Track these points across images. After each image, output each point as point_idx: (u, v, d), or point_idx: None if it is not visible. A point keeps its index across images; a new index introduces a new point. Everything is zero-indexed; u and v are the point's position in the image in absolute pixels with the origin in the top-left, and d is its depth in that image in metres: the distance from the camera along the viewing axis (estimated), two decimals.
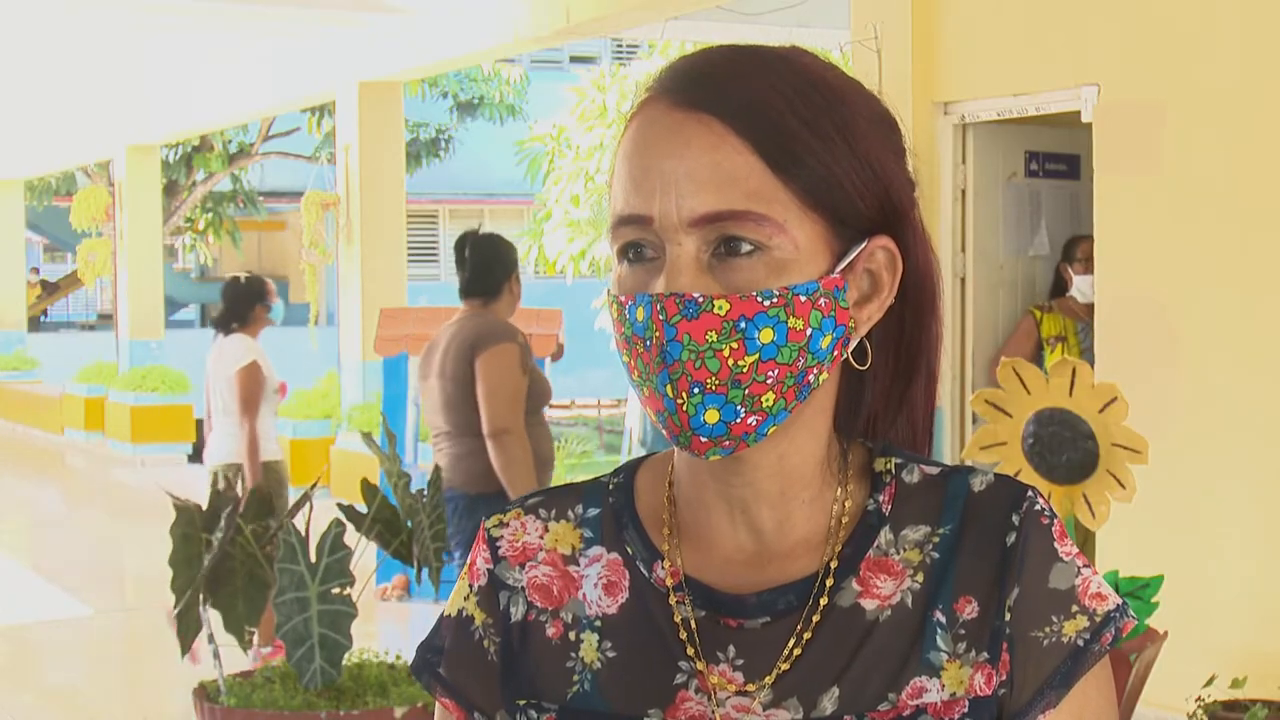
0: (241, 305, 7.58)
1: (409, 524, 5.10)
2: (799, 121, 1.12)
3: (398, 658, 5.22)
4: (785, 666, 1.15)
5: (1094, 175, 6.24)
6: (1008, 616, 1.14)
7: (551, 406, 7.65)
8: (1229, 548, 5.65)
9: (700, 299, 1.10)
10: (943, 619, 1.15)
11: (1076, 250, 6.97)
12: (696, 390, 1.10)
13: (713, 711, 1.15)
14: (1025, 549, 1.15)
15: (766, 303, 1.10)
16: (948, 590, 1.15)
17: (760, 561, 1.18)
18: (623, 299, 1.13)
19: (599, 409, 22.58)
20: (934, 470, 1.20)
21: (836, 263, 1.14)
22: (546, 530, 1.24)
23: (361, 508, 5.13)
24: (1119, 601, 1.16)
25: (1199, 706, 5.11)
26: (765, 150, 1.11)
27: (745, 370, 1.10)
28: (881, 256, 1.17)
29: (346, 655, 4.87)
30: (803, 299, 1.11)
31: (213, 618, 4.83)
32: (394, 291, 12.45)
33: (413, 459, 9.26)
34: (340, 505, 5.06)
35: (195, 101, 15.50)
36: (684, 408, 1.11)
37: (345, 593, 4.78)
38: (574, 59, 24.12)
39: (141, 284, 17.82)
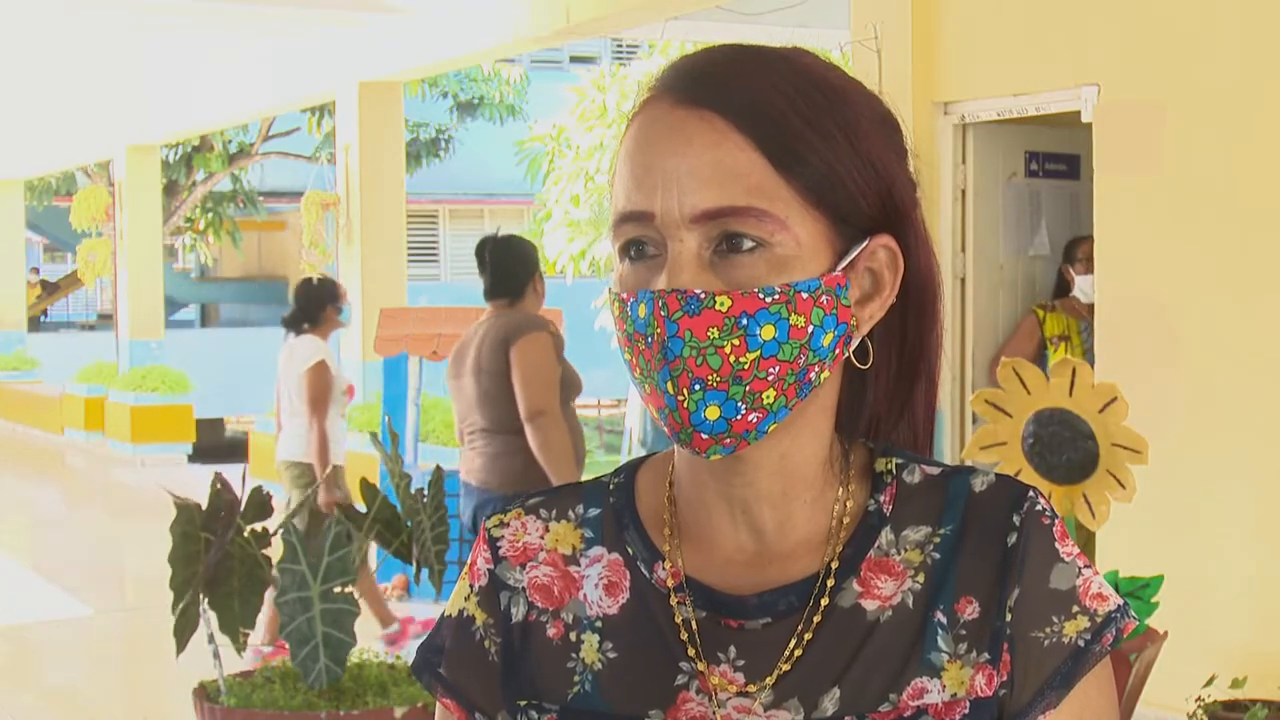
0: (313, 306, 7.61)
1: (409, 524, 5.10)
2: (801, 120, 1.13)
3: (398, 658, 5.22)
4: (786, 667, 1.14)
5: (1094, 175, 6.24)
6: (1009, 617, 1.14)
7: None
8: (1229, 548, 5.65)
9: (702, 295, 1.10)
10: (944, 619, 1.15)
11: (1078, 251, 6.97)
12: (698, 387, 1.10)
13: (713, 712, 1.14)
14: (1026, 549, 1.15)
15: (768, 299, 1.10)
16: (949, 591, 1.15)
17: (761, 562, 1.18)
18: (624, 296, 1.13)
19: (599, 409, 22.59)
20: (935, 470, 1.20)
21: (838, 261, 1.14)
22: (547, 530, 1.24)
23: (361, 507, 5.13)
24: (1120, 602, 1.16)
25: (1199, 706, 5.11)
26: (767, 147, 1.12)
27: (746, 367, 1.10)
28: (883, 255, 1.17)
29: (348, 655, 4.87)
30: (804, 296, 1.11)
31: (212, 617, 4.83)
32: (394, 291, 12.45)
33: (413, 459, 9.27)
34: (339, 506, 5.06)
35: (195, 101, 15.50)
36: (685, 404, 1.11)
37: (347, 591, 4.78)
38: (574, 59, 24.12)
39: (141, 284, 17.82)
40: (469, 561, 1.27)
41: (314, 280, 7.86)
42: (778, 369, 1.11)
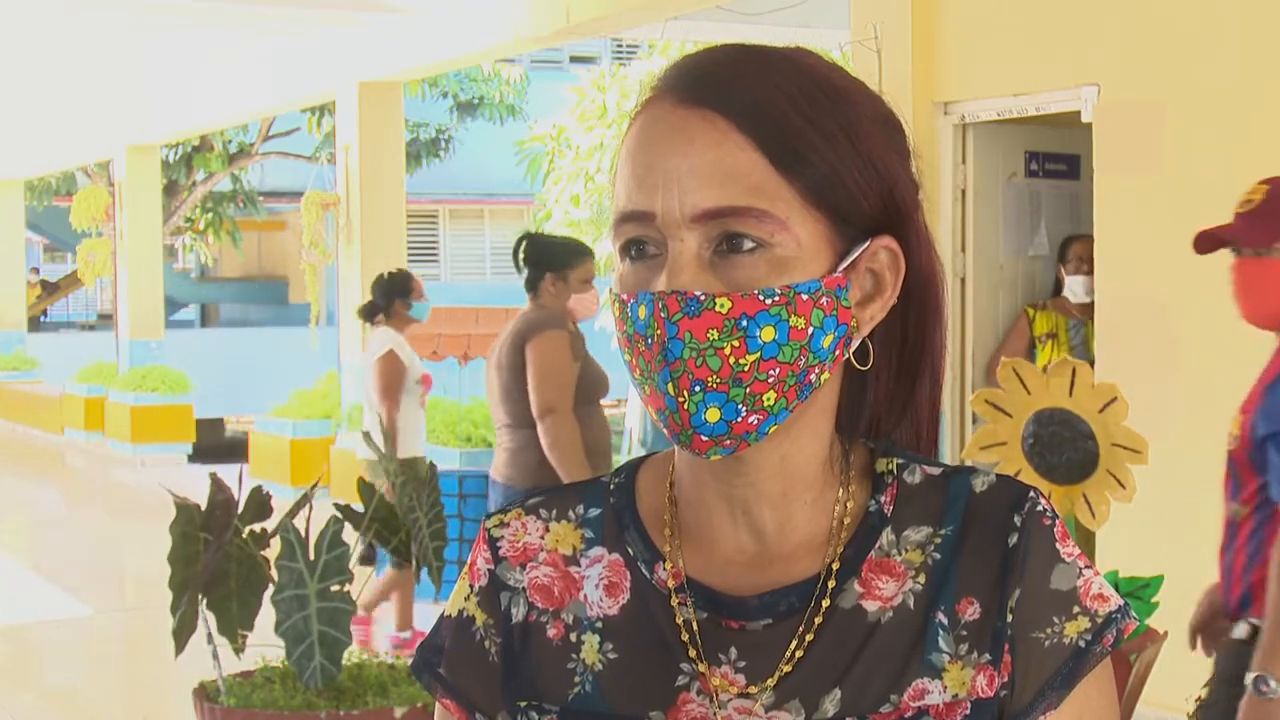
0: (384, 298, 7.64)
1: (406, 523, 5.10)
2: (803, 120, 1.12)
3: (397, 658, 5.22)
4: (787, 668, 1.14)
5: (1094, 175, 6.24)
6: (1009, 617, 1.14)
7: None
8: None
9: (702, 297, 1.09)
10: (944, 620, 1.15)
11: (1069, 250, 6.98)
12: (698, 388, 1.10)
13: (714, 713, 1.14)
14: (1027, 550, 1.15)
15: (768, 301, 1.10)
16: (950, 591, 1.15)
17: (762, 563, 1.18)
18: (624, 297, 1.13)
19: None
20: (935, 471, 1.20)
21: (839, 262, 1.14)
22: (547, 531, 1.24)
23: (359, 507, 5.13)
24: (1121, 602, 1.16)
25: (1199, 706, 5.10)
26: (769, 147, 1.11)
27: (746, 369, 1.10)
28: (884, 257, 1.16)
29: (346, 655, 4.87)
30: (805, 297, 1.11)
31: (212, 617, 4.82)
32: None
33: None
34: (337, 505, 5.06)
35: (195, 101, 15.50)
36: (685, 406, 1.10)
37: (344, 589, 4.78)
38: (574, 59, 24.11)
39: (141, 284, 17.82)
40: (469, 561, 1.26)
41: (388, 273, 7.91)
42: (778, 371, 1.11)
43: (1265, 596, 3.24)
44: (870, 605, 1.16)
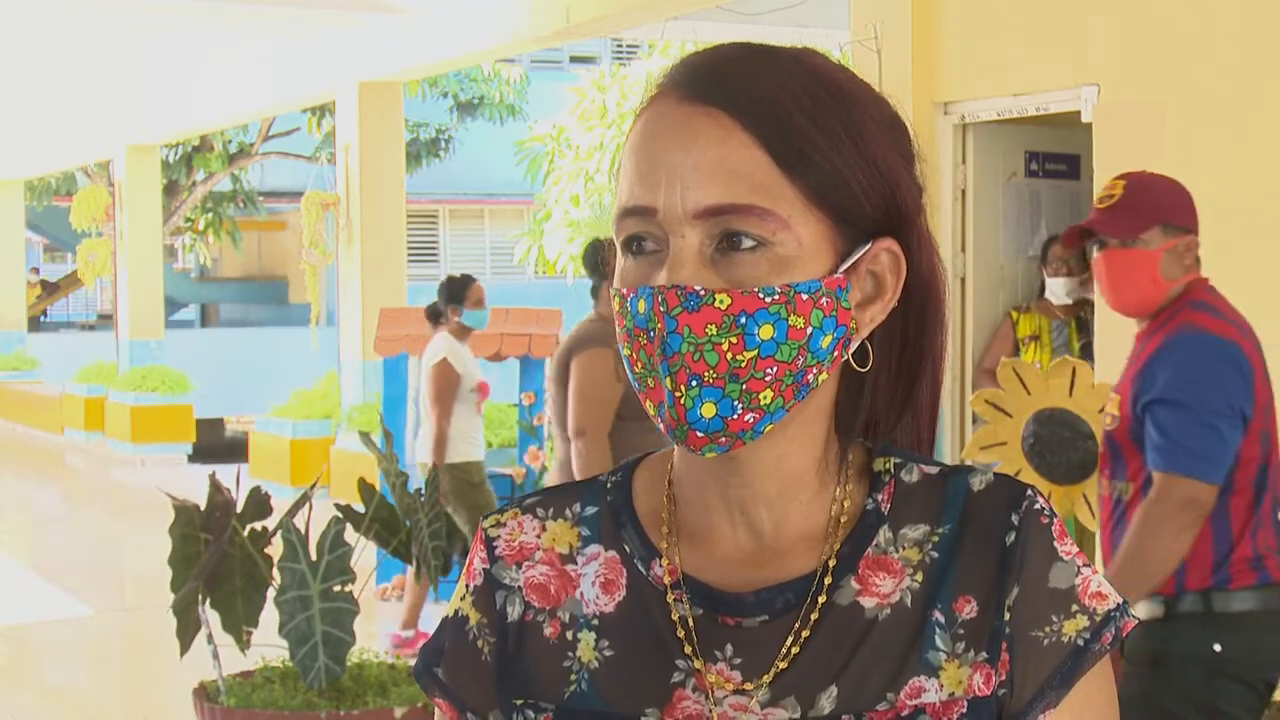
0: (442, 304, 7.63)
1: (407, 523, 5.10)
2: (807, 119, 1.12)
3: (398, 658, 5.22)
4: (783, 665, 1.14)
5: (1094, 175, 6.24)
6: (1007, 616, 1.14)
7: None
8: None
9: (701, 292, 1.09)
10: (942, 619, 1.15)
11: (1050, 252, 6.99)
12: (694, 383, 1.10)
13: (710, 710, 1.14)
14: (1025, 548, 1.15)
15: (768, 299, 1.10)
16: (947, 590, 1.15)
17: (759, 560, 1.18)
18: (625, 291, 1.13)
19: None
20: (933, 470, 1.20)
21: (840, 263, 1.14)
22: (544, 529, 1.24)
23: (360, 507, 5.13)
24: (1119, 601, 1.16)
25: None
26: (772, 146, 1.11)
27: (743, 365, 1.10)
28: (885, 259, 1.16)
29: (347, 655, 4.87)
30: (804, 297, 1.11)
31: (212, 618, 4.83)
32: (394, 291, 12.45)
33: (412, 459, 9.26)
34: (338, 505, 5.06)
35: (195, 101, 15.51)
36: (682, 400, 1.10)
37: (346, 589, 4.78)
38: (574, 59, 24.12)
39: (141, 284, 17.83)
40: (466, 562, 1.27)
41: (447, 277, 7.91)
42: (775, 370, 1.11)
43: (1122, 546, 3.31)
44: (867, 603, 1.15)
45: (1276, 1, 5.58)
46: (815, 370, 1.13)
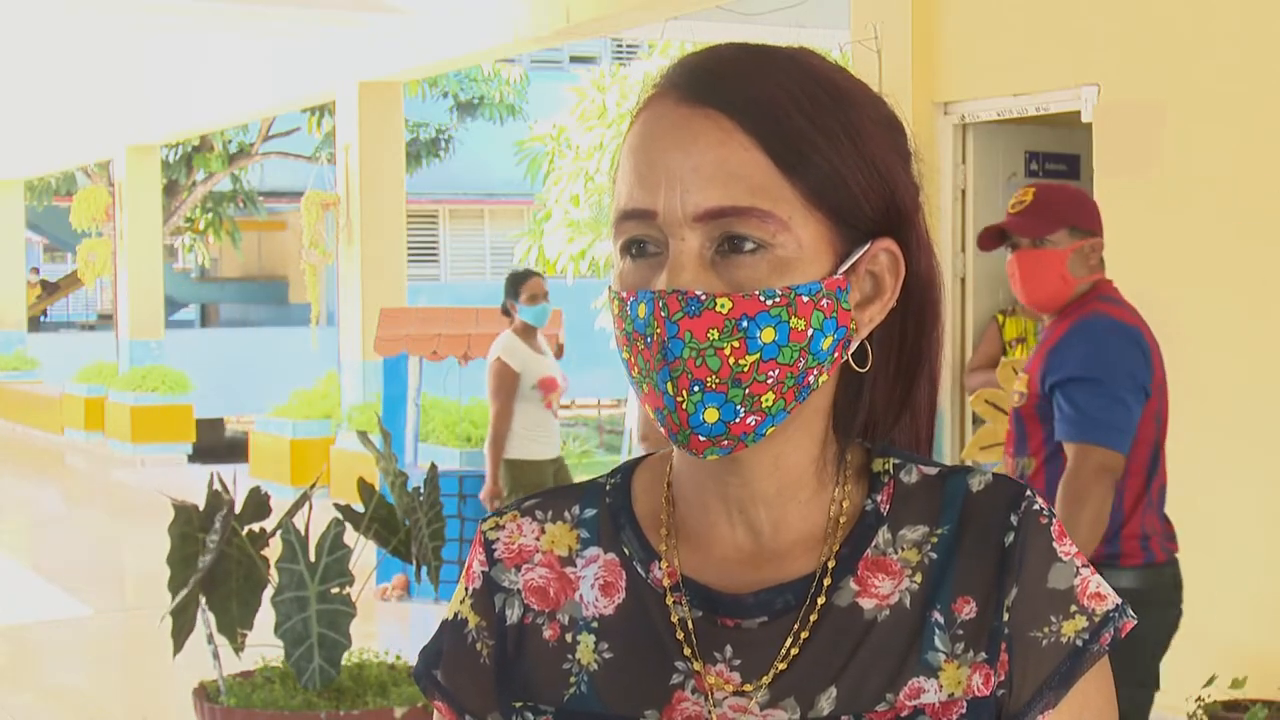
0: (506, 300, 7.58)
1: (406, 523, 5.10)
2: (806, 120, 1.12)
3: (398, 658, 5.22)
4: (783, 666, 1.14)
5: (1094, 175, 6.24)
6: (1006, 616, 1.14)
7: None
8: (1229, 548, 5.65)
9: (703, 296, 1.09)
10: (941, 619, 1.14)
11: None
12: (696, 389, 1.10)
13: (709, 712, 1.14)
14: (1024, 549, 1.15)
15: (769, 302, 1.10)
16: (946, 590, 1.15)
17: (758, 561, 1.18)
18: (624, 295, 1.13)
19: (599, 409, 22.60)
20: (932, 470, 1.20)
21: (839, 264, 1.14)
22: (543, 532, 1.24)
23: (359, 507, 5.13)
24: (1118, 601, 1.16)
25: (1199, 706, 5.11)
26: (772, 148, 1.11)
27: (746, 369, 1.10)
28: (884, 259, 1.16)
29: (346, 655, 4.87)
30: (805, 299, 1.11)
31: (211, 618, 4.82)
32: (394, 291, 12.45)
33: (412, 459, 9.26)
34: (337, 505, 5.06)
35: (195, 101, 15.51)
36: (683, 405, 1.10)
37: (344, 592, 4.78)
38: (574, 59, 24.11)
39: (141, 284, 17.83)
40: (465, 565, 1.26)
41: (510, 274, 7.84)
42: (777, 372, 1.11)
43: None
44: (866, 604, 1.15)
45: (1276, 1, 5.58)
46: (816, 371, 1.13)
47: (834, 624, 1.15)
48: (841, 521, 1.18)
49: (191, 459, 16.82)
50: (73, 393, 18.56)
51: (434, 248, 25.59)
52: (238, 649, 4.80)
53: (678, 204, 1.11)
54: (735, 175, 1.10)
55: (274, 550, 4.83)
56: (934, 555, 1.16)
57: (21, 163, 20.72)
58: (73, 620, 8.99)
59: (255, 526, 4.83)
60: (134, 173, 17.67)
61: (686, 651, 1.16)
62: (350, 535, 4.91)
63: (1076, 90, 6.22)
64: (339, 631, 4.77)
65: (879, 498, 1.19)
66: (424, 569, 5.09)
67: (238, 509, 4.80)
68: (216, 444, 20.04)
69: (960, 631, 1.14)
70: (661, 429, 1.13)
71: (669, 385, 1.10)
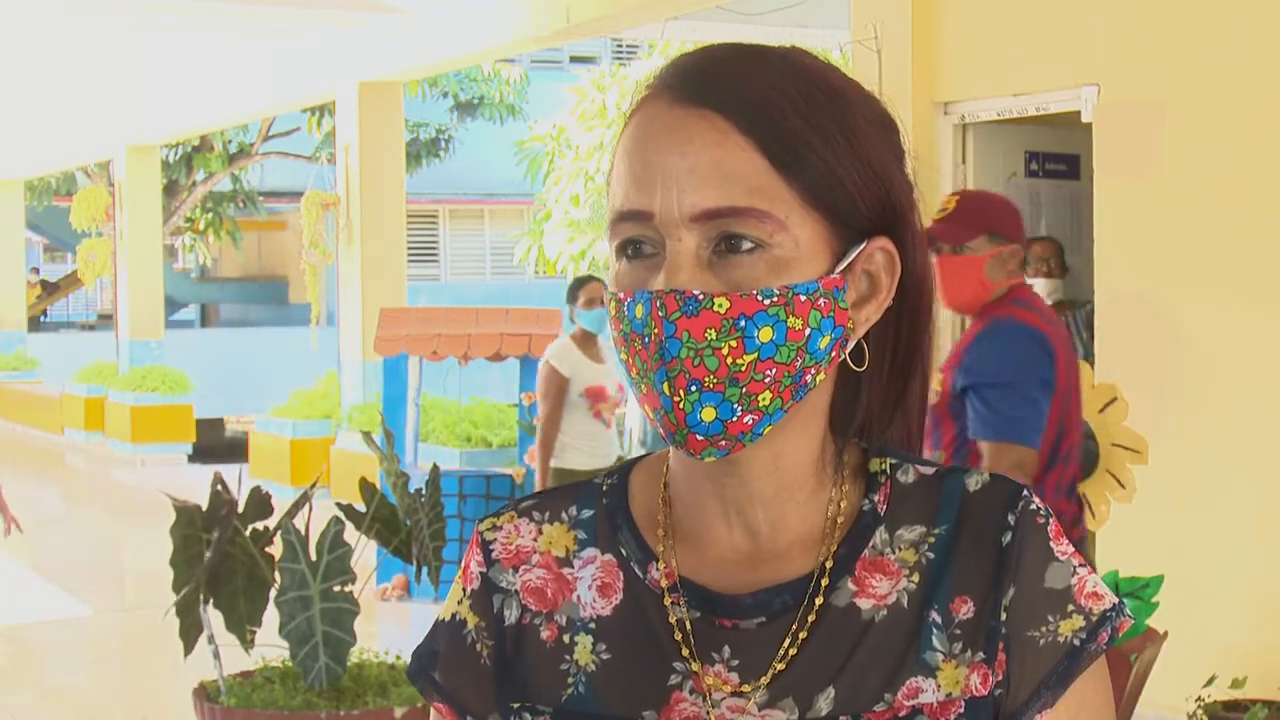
0: (566, 303, 7.54)
1: (407, 523, 5.10)
2: (801, 120, 1.12)
3: (398, 658, 5.22)
4: (781, 667, 1.14)
5: (1094, 175, 6.24)
6: (1004, 616, 1.14)
7: None
8: (1229, 548, 5.65)
9: (700, 296, 1.09)
10: (938, 619, 1.14)
11: (1030, 253, 7.01)
12: (694, 388, 1.10)
13: (708, 712, 1.14)
14: (1021, 548, 1.15)
15: (766, 301, 1.10)
16: (944, 590, 1.15)
17: (755, 562, 1.18)
18: (621, 295, 1.13)
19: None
20: (929, 470, 1.20)
21: (836, 263, 1.14)
22: (540, 533, 1.24)
23: (360, 507, 5.13)
24: (1115, 600, 1.16)
25: (1199, 706, 5.11)
26: (768, 147, 1.11)
27: (743, 369, 1.10)
28: (880, 258, 1.16)
29: (348, 654, 4.87)
30: (803, 298, 1.11)
31: (212, 618, 4.83)
32: (394, 291, 12.45)
33: (412, 459, 9.26)
34: (339, 505, 5.06)
35: (195, 101, 15.51)
36: (681, 405, 1.10)
37: (347, 590, 4.78)
38: (574, 59, 24.12)
39: (141, 284, 17.83)
40: (463, 565, 1.26)
41: (572, 278, 7.75)
42: (774, 371, 1.10)
43: None
44: (864, 604, 1.15)
45: (1276, 1, 5.58)
46: (813, 371, 1.13)
47: (832, 624, 1.15)
48: (839, 522, 1.18)
49: (191, 459, 16.82)
50: (73, 393, 18.56)
51: (434, 248, 25.60)
52: (247, 646, 4.81)
53: (674, 205, 1.11)
54: (732, 175, 1.10)
55: (276, 550, 4.83)
56: (931, 555, 1.16)
57: (21, 163, 20.73)
58: (73, 620, 8.99)
59: (258, 526, 4.83)
60: (134, 173, 17.68)
61: (684, 652, 1.16)
62: (350, 535, 4.91)
63: (1076, 90, 6.22)
64: (343, 629, 4.77)
65: (876, 498, 1.19)
66: (424, 569, 5.09)
67: (240, 509, 4.80)
68: (216, 444, 20.04)
69: (958, 631, 1.14)
70: (659, 429, 1.13)
71: (666, 385, 1.10)
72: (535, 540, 1.24)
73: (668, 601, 1.18)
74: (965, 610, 1.15)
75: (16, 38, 12.84)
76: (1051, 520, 1.17)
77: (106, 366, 18.46)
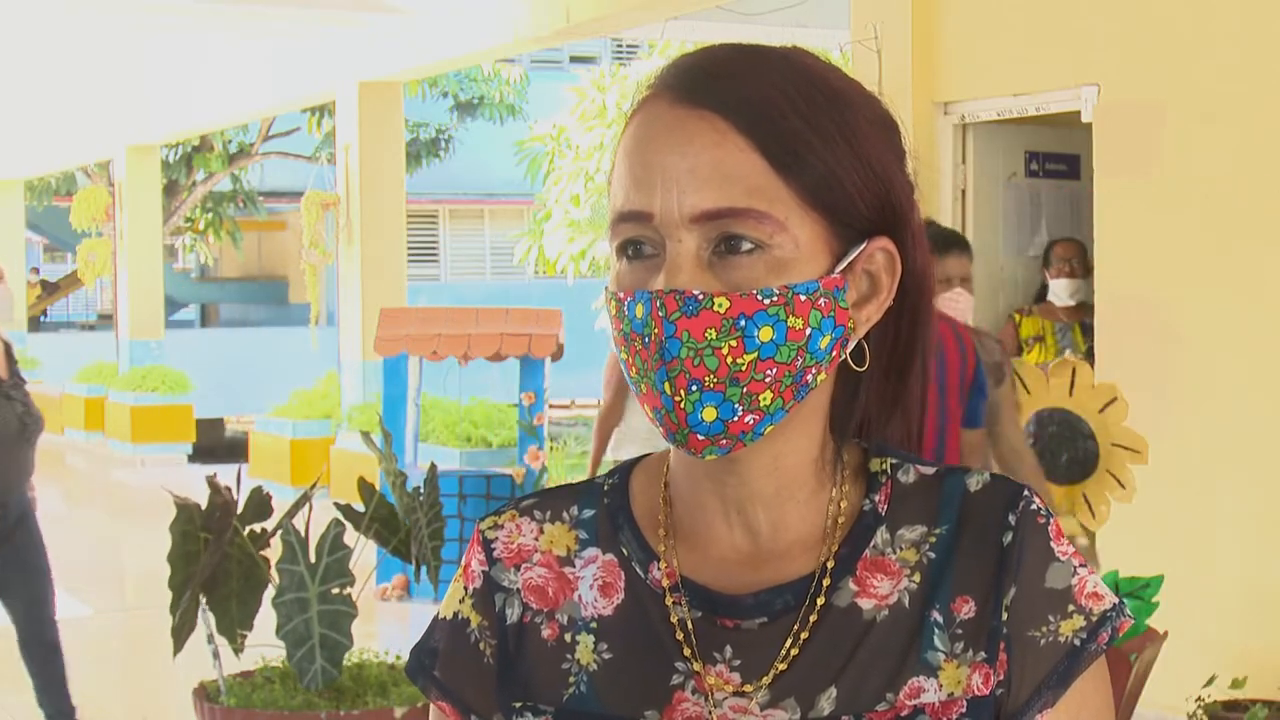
0: None
1: (406, 522, 5.10)
2: (801, 120, 1.12)
3: (398, 658, 5.22)
4: (782, 667, 1.14)
5: (1094, 175, 6.24)
6: (1005, 616, 1.14)
7: (552, 406, 7.65)
8: (1229, 548, 5.65)
9: (700, 296, 1.09)
10: (940, 619, 1.15)
11: (1053, 254, 7.01)
12: (694, 388, 1.10)
13: (709, 712, 1.14)
14: (1022, 548, 1.15)
15: (766, 301, 1.10)
16: (945, 590, 1.15)
17: (756, 562, 1.18)
18: (621, 296, 1.13)
19: (599, 409, 22.55)
20: (929, 470, 1.20)
21: (836, 263, 1.14)
22: (541, 532, 1.24)
23: (360, 507, 5.13)
24: (1115, 600, 1.16)
25: (1199, 706, 5.11)
26: (767, 148, 1.11)
27: (744, 369, 1.10)
28: (881, 258, 1.16)
29: (347, 655, 4.87)
30: (803, 298, 1.11)
31: (212, 618, 4.82)
32: (394, 291, 12.45)
33: (413, 459, 9.26)
34: (338, 505, 5.06)
35: (195, 101, 15.51)
36: (681, 405, 1.10)
37: (345, 592, 4.78)
38: (574, 59, 24.11)
39: (141, 284, 17.82)
40: (463, 564, 1.26)
41: None
42: (775, 371, 1.11)
43: None
44: (865, 604, 1.16)
45: (1276, 1, 5.58)
46: (814, 371, 1.13)
47: (833, 624, 1.15)
48: (840, 522, 1.18)
49: (191, 459, 16.82)
50: (73, 393, 18.55)
51: (434, 248, 25.59)
52: (237, 650, 4.80)
53: (674, 205, 1.11)
54: (732, 176, 1.10)
55: (274, 551, 4.83)
56: (932, 555, 1.16)
57: (21, 163, 20.72)
58: (73, 620, 8.98)
59: (256, 527, 4.83)
60: (134, 173, 17.67)
61: (686, 652, 1.16)
62: (350, 535, 4.91)
63: (1076, 90, 6.22)
64: (340, 632, 4.77)
65: (877, 498, 1.19)
66: (424, 569, 5.09)
67: (239, 509, 4.80)
68: (216, 444, 20.03)
69: (959, 631, 1.14)
70: (660, 429, 1.13)
71: (666, 385, 1.10)
72: (536, 539, 1.24)
73: (669, 601, 1.18)
74: (966, 610, 1.15)
75: (16, 38, 12.84)
76: (1052, 520, 1.17)
77: (106, 366, 18.46)
